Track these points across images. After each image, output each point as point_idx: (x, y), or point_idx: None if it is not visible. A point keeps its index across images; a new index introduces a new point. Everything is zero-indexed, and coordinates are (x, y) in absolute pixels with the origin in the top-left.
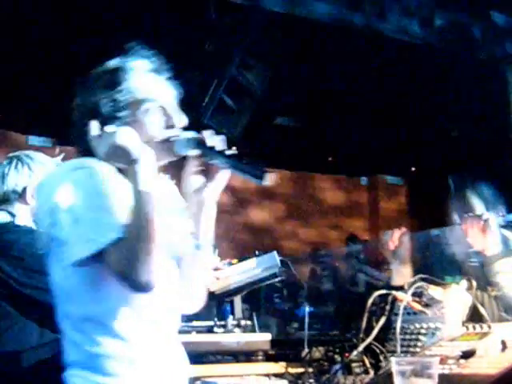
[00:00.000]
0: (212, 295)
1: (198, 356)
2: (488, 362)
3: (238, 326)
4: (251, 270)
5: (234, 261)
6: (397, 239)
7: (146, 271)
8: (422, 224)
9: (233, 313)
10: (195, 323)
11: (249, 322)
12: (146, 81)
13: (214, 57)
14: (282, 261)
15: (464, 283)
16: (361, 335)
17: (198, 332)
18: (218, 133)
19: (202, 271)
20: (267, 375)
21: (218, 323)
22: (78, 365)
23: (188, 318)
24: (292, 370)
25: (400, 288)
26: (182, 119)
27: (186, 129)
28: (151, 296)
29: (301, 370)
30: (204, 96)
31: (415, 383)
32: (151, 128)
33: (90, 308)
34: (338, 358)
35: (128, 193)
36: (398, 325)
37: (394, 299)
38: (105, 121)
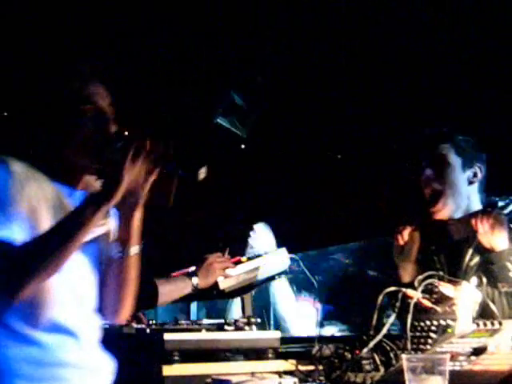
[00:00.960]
0: (222, 293)
1: (208, 354)
2: (499, 359)
3: (248, 323)
4: (261, 267)
5: (244, 259)
6: (407, 235)
7: (25, 289)
8: None
9: (243, 310)
10: (205, 321)
11: (259, 320)
12: (83, 85)
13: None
14: (291, 258)
15: (474, 280)
16: (371, 332)
17: (208, 330)
18: (228, 132)
19: (126, 280)
20: (277, 373)
21: (228, 321)
22: None
23: (198, 316)
24: (302, 368)
25: (410, 285)
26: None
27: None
28: (64, 301)
29: (311, 367)
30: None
31: (426, 380)
32: (87, 132)
33: None
34: (348, 355)
35: (37, 197)
36: (409, 322)
37: (404, 296)
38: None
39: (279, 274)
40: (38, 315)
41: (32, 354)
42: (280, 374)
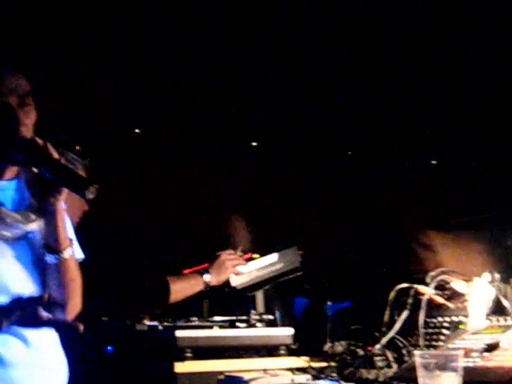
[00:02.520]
0: (234, 290)
1: (220, 350)
2: None
3: (260, 320)
4: (273, 264)
5: (256, 255)
6: None
7: None
8: None
9: (255, 307)
10: (217, 318)
11: (271, 317)
12: None
13: None
14: (303, 255)
15: (487, 276)
16: (383, 329)
17: (220, 327)
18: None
19: (66, 282)
20: (290, 369)
21: (239, 318)
22: None
23: (210, 313)
24: (315, 364)
25: (422, 281)
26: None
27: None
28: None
29: (323, 364)
30: None
31: (439, 377)
32: None
33: None
34: (360, 351)
35: None
36: (421, 318)
37: (417, 292)
38: None
39: (292, 272)
40: None
41: None
42: (293, 370)
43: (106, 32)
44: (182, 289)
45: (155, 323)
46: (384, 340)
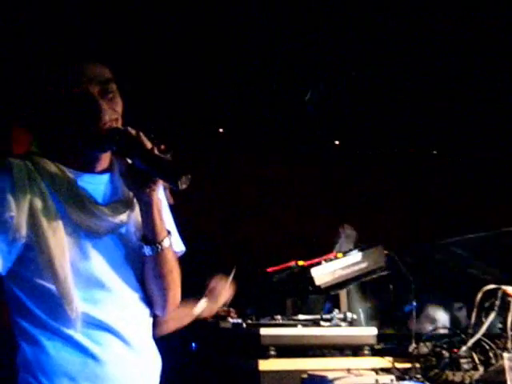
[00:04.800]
0: (318, 289)
1: (303, 349)
2: None
3: (344, 319)
4: (357, 263)
5: (340, 254)
6: None
7: None
8: None
9: (338, 306)
10: (301, 316)
11: (355, 316)
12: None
13: None
14: (387, 254)
15: None
16: (470, 331)
17: (304, 325)
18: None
19: (162, 275)
20: (374, 369)
21: (323, 317)
22: None
23: (293, 311)
24: (399, 365)
25: (511, 282)
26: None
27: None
28: (96, 298)
29: (408, 365)
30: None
31: None
32: (74, 120)
33: None
34: (445, 353)
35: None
36: (509, 320)
37: (504, 294)
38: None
39: (376, 271)
40: (60, 308)
41: (72, 352)
42: (376, 370)
43: (185, 26)
44: (181, 317)
45: (239, 321)
46: (470, 342)
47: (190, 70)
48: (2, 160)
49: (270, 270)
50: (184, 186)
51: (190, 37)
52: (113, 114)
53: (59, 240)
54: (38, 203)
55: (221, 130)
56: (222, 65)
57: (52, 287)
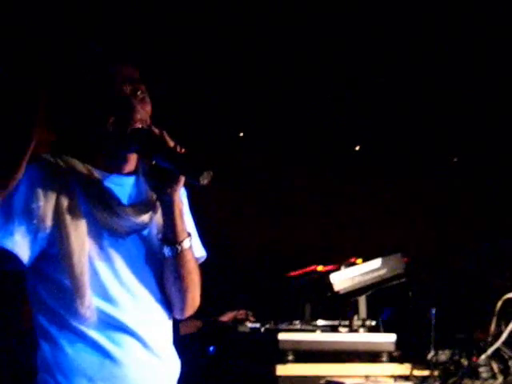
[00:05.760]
0: (337, 295)
1: (321, 355)
2: None
3: (363, 325)
4: (376, 270)
5: (359, 261)
6: None
7: None
8: None
9: (357, 312)
10: (319, 322)
11: (373, 323)
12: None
13: None
14: (407, 261)
15: None
16: (489, 339)
17: (323, 331)
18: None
19: (182, 276)
20: (392, 377)
21: (342, 323)
22: None
23: (312, 317)
24: (417, 373)
25: None
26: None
27: None
28: (115, 295)
29: (426, 372)
30: None
31: None
32: (106, 120)
33: None
34: (464, 361)
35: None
36: None
37: None
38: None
39: (395, 278)
40: (75, 303)
41: (90, 352)
42: (395, 377)
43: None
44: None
45: (257, 325)
46: (490, 350)
47: (211, 75)
48: (34, 155)
49: (289, 275)
50: (206, 182)
51: (208, 40)
52: (143, 114)
53: (80, 236)
54: (64, 199)
55: (241, 134)
56: (242, 68)
57: (68, 282)
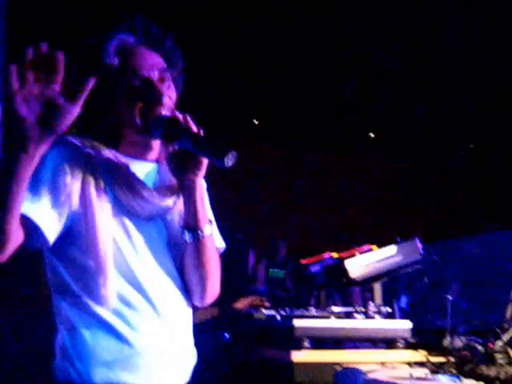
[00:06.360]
0: (352, 281)
1: (337, 341)
2: None
3: (379, 312)
4: (392, 256)
5: (374, 247)
6: None
7: None
8: None
9: (373, 299)
10: (335, 308)
11: (389, 309)
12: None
13: None
14: (423, 247)
15: None
16: (505, 325)
17: (338, 317)
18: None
19: (202, 262)
20: (408, 363)
21: (357, 309)
22: None
23: (327, 303)
24: (433, 359)
25: None
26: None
27: None
28: (135, 281)
29: (442, 358)
30: None
31: None
32: (132, 108)
33: None
34: (480, 348)
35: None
36: None
37: None
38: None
39: (411, 265)
40: (96, 285)
41: (108, 338)
42: (411, 364)
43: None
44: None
45: (273, 312)
46: (506, 337)
47: (227, 65)
48: (62, 137)
49: (303, 261)
50: (230, 164)
51: (224, 30)
52: (169, 100)
53: (106, 216)
54: (90, 179)
55: (255, 122)
56: (257, 57)
57: (91, 262)
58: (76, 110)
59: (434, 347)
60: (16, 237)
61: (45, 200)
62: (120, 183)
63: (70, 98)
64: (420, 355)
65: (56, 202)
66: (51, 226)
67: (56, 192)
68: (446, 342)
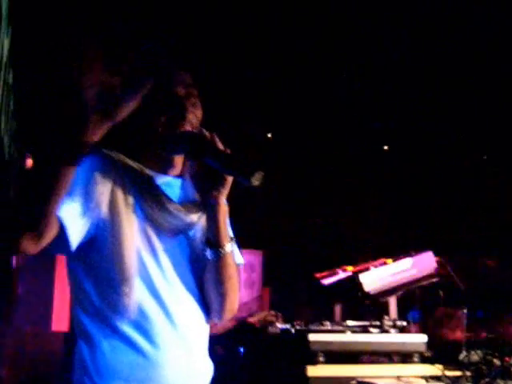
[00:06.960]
0: (367, 295)
1: (352, 355)
2: None
3: (394, 326)
4: (406, 270)
5: (389, 260)
6: None
7: None
8: None
9: (388, 313)
10: (350, 322)
11: (404, 323)
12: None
13: None
14: (438, 261)
15: None
16: None
17: (353, 332)
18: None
19: (222, 279)
20: (424, 377)
21: (373, 323)
22: None
23: (342, 318)
24: (449, 373)
25: None
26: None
27: None
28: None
29: (458, 373)
30: None
31: None
32: (158, 124)
33: None
34: (497, 361)
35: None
36: None
37: None
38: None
39: (426, 278)
40: (118, 296)
41: (127, 352)
42: (426, 378)
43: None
44: None
45: (287, 326)
46: None
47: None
48: (95, 148)
49: (318, 275)
50: (257, 183)
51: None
52: (194, 118)
53: (132, 228)
54: (119, 190)
55: (269, 136)
56: (274, 65)
57: (115, 272)
58: (134, 104)
59: (450, 361)
60: (52, 229)
61: (76, 203)
62: (147, 197)
63: (132, 91)
64: (436, 369)
65: (86, 207)
66: (77, 228)
67: (88, 197)
68: (463, 355)
